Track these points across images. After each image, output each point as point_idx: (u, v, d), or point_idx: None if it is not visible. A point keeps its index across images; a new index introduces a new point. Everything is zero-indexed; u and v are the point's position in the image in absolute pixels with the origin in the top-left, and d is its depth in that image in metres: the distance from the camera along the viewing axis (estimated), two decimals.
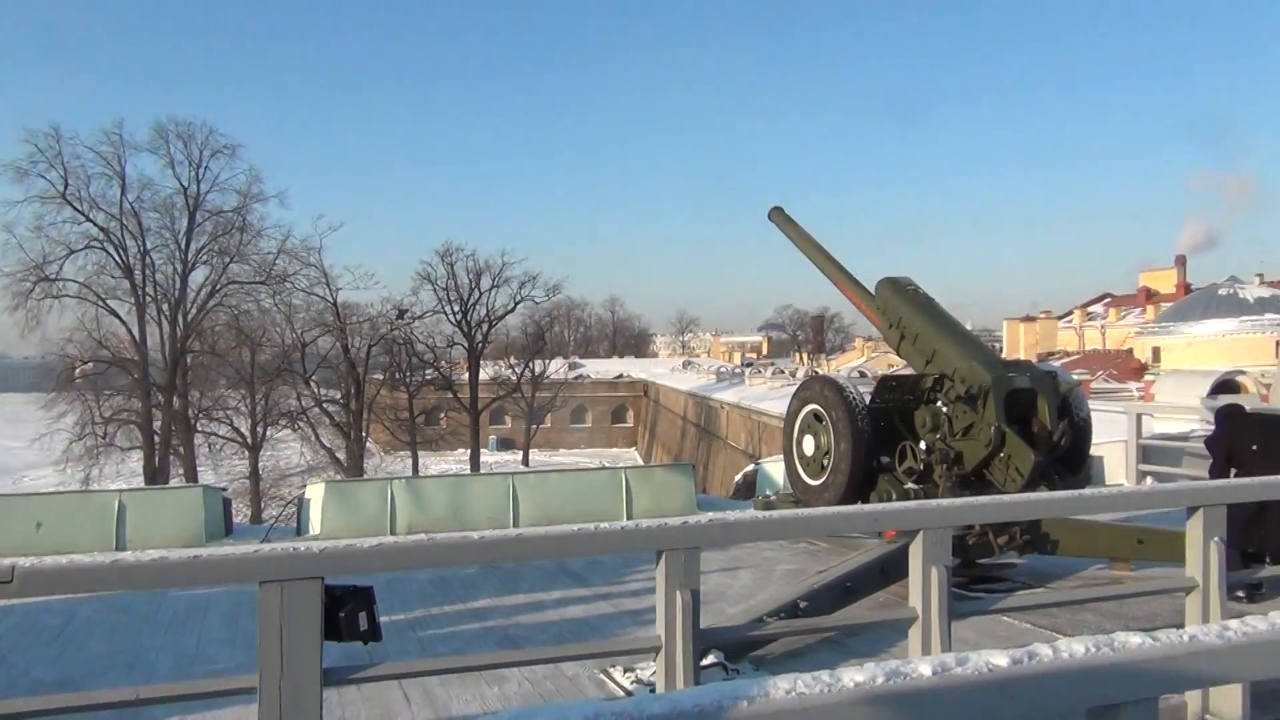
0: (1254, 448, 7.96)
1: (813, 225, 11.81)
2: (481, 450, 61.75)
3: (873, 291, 10.57)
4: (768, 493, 13.31)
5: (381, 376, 57.12)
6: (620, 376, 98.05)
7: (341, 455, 50.06)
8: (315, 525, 12.61)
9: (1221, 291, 49.90)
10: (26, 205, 44.71)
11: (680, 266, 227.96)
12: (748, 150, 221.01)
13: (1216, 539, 5.78)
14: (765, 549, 10.50)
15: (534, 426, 71.92)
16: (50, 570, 4.38)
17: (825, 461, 9.17)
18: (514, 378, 67.70)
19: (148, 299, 46.81)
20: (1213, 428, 8.76)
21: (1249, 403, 14.15)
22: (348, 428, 50.67)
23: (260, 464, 47.71)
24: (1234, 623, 3.19)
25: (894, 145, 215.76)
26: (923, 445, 8.86)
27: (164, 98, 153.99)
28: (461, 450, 63.07)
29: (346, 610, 4.68)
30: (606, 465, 26.31)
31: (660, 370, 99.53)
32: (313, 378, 51.32)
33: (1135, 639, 2.98)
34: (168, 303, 47.32)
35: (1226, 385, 17.94)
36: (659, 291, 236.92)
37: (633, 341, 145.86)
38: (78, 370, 46.70)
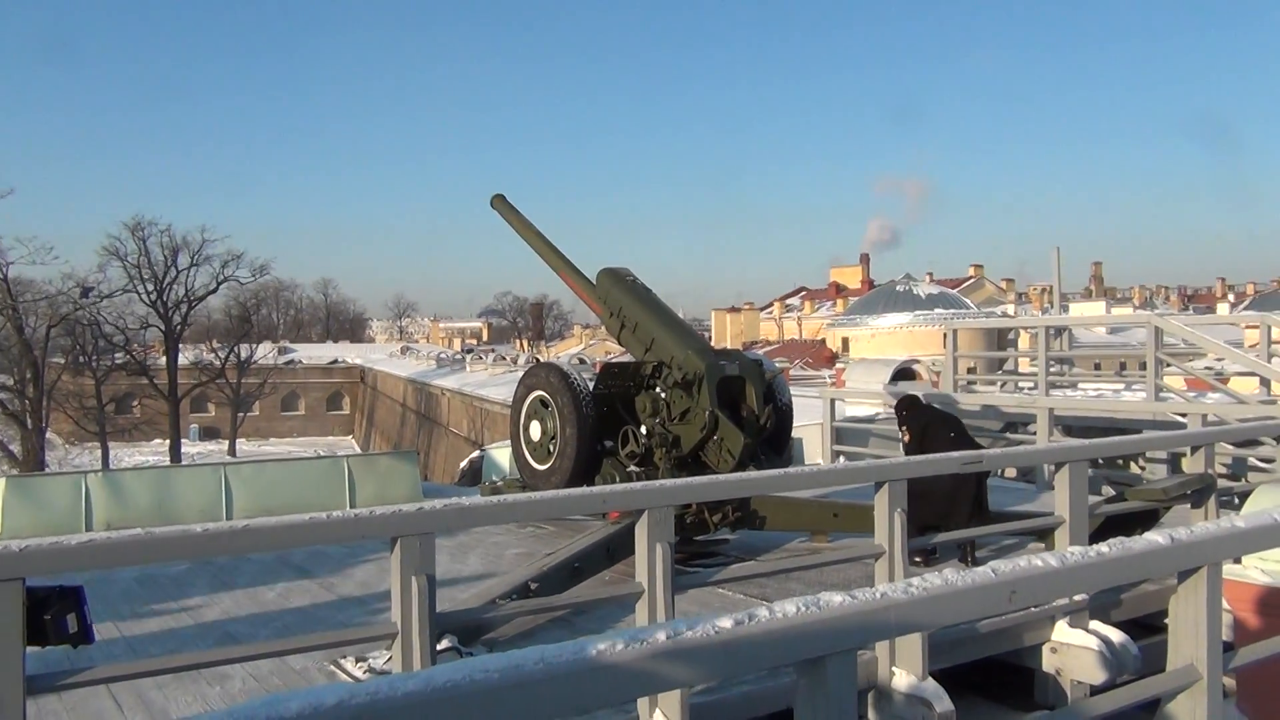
0: (951, 435, 8.77)
1: (532, 214, 11.96)
2: (182, 440, 57.65)
3: (593, 281, 10.81)
4: (494, 478, 13.32)
5: (63, 360, 52.00)
6: (335, 362, 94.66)
7: (15, 448, 45.08)
8: None
9: (899, 288, 54.64)
10: None
11: (396, 249, 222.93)
12: (465, 133, 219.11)
13: (899, 510, 6.38)
14: (494, 534, 10.54)
15: (241, 414, 68.11)
16: None
17: (551, 447, 9.35)
18: (218, 362, 63.74)
19: None
20: (899, 411, 9.62)
21: (922, 389, 15.95)
22: (23, 416, 45.68)
23: None
24: (916, 579, 3.60)
25: (621, 141, 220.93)
26: (643, 430, 9.22)
27: None
28: (159, 440, 58.90)
29: (52, 612, 4.37)
30: (323, 454, 25.22)
31: (377, 356, 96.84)
32: None
33: (838, 598, 3.32)
34: None
35: (904, 373, 20.40)
36: (374, 275, 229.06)
37: (348, 326, 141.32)
38: None
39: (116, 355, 55.01)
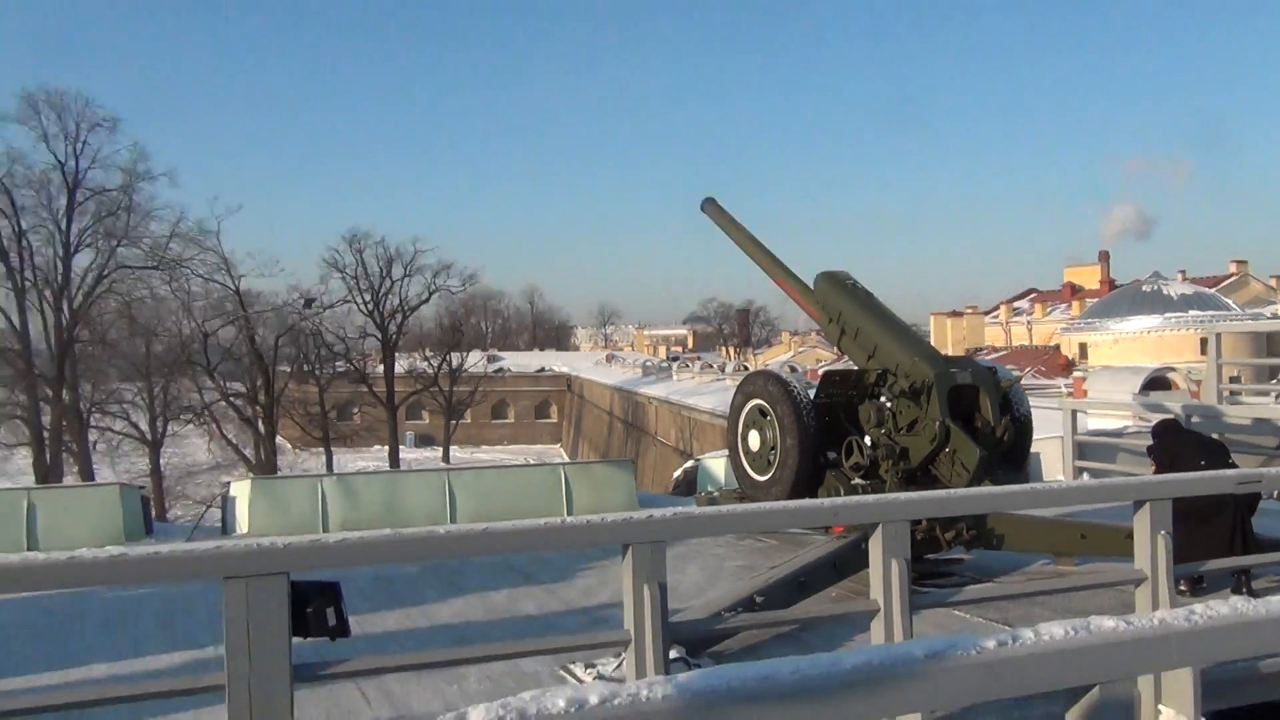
0: (1202, 462, 8.05)
1: (739, 217, 11.94)
2: (400, 446, 60.52)
3: (811, 286, 10.65)
4: (710, 489, 13.17)
5: (289, 369, 55.12)
6: (542, 370, 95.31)
7: (249, 452, 48.48)
8: (242, 524, 12.27)
9: (1145, 288, 50.48)
10: None
11: (601, 257, 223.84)
12: (668, 139, 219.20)
13: (1163, 532, 5.93)
14: (713, 545, 10.44)
15: (454, 422, 70.36)
16: (9, 567, 4.24)
17: (771, 457, 9.23)
18: (431, 371, 65.92)
19: (26, 284, 43.00)
20: (1146, 423, 9.02)
21: (1179, 400, 14.76)
22: (256, 421, 49.04)
23: (162, 461, 45.72)
24: (1199, 607, 3.31)
25: (822, 140, 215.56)
26: (868, 441, 8.97)
27: (32, 68, 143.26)
28: (379, 446, 61.76)
29: (314, 606, 4.61)
30: (532, 462, 25.85)
31: (583, 364, 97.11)
32: (216, 369, 48.84)
33: (1110, 622, 3.10)
34: (50, 288, 43.59)
35: (1157, 382, 18.66)
36: (579, 282, 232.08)
37: (553, 334, 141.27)
38: None
39: (338, 364, 57.79)
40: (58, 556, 4.25)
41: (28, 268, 43.23)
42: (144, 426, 46.09)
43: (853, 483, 8.90)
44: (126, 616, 8.20)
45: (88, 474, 41.61)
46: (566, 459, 64.55)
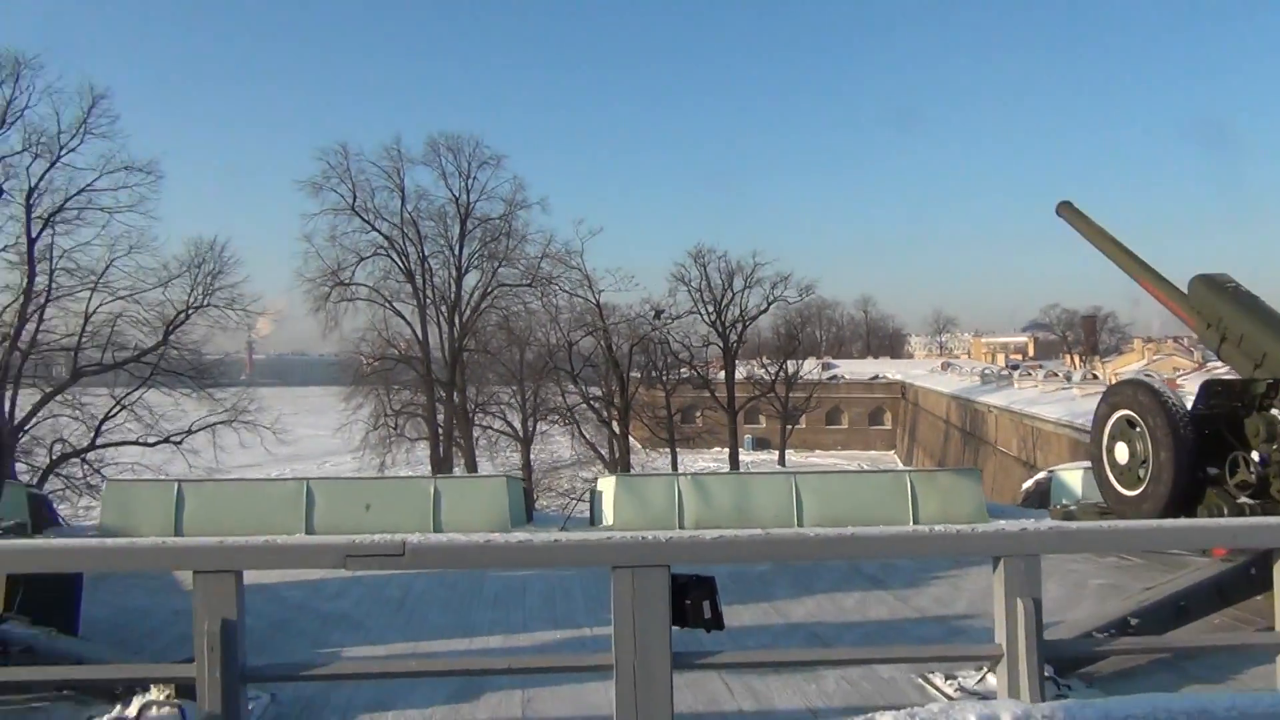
0: None
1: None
2: (739, 449, 62.27)
3: (1184, 291, 9.99)
4: (1064, 502, 12.67)
5: (639, 375, 58.61)
6: (876, 378, 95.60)
7: (604, 450, 52.05)
8: (608, 516, 13.16)
9: None
10: (322, 218, 49.57)
11: (935, 265, 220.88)
12: (1009, 141, 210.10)
13: None
14: (1071, 562, 9.99)
15: (789, 427, 71.61)
16: (434, 547, 4.94)
17: (1142, 471, 8.69)
18: (768, 377, 67.64)
19: (428, 301, 50.79)
20: None
21: None
22: (611, 423, 52.66)
23: (531, 456, 50.61)
24: None
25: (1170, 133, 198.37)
26: (1256, 456, 8.24)
27: (432, 113, 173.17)
28: (718, 448, 63.90)
29: (692, 598, 4.96)
30: (867, 467, 25.71)
31: (917, 371, 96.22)
32: (578, 375, 53.40)
33: None
34: (445, 304, 51.14)
35: None
36: (913, 291, 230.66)
37: (886, 342, 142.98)
38: (368, 366, 51.10)
39: (683, 371, 60.88)
40: (476, 538, 4.89)
41: (428, 287, 51.11)
42: (517, 425, 51.46)
43: (1238, 501, 8.21)
44: (514, 595, 9.13)
45: (472, 466, 47.63)
46: (901, 465, 63.46)
